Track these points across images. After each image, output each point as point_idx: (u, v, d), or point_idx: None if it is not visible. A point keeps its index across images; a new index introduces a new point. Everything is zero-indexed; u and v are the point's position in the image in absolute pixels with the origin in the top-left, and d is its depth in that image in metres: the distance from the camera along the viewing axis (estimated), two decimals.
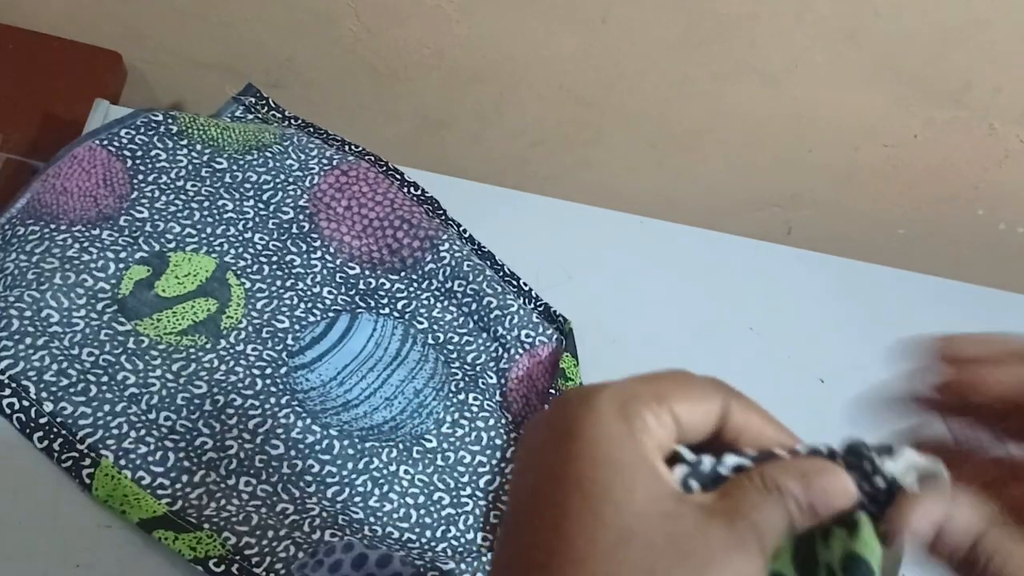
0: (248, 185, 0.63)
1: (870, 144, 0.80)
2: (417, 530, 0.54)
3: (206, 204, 0.62)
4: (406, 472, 0.56)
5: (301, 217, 0.63)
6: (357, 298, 0.62)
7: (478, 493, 0.57)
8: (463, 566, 0.52)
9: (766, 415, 0.27)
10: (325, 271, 0.62)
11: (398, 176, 0.68)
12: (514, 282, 0.66)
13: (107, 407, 0.52)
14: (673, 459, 0.26)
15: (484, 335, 0.62)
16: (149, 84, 0.80)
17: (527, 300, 0.65)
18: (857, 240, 0.90)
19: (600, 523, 0.23)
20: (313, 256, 0.62)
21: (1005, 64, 0.71)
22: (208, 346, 0.57)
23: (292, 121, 0.69)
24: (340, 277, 0.62)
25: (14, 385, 0.51)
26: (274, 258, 0.62)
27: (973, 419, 0.30)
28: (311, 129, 0.69)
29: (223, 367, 0.56)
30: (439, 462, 0.57)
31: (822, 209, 0.88)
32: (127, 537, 0.49)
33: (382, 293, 0.62)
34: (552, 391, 0.59)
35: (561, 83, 0.77)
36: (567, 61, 0.74)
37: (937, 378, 0.29)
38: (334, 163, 0.64)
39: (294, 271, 0.62)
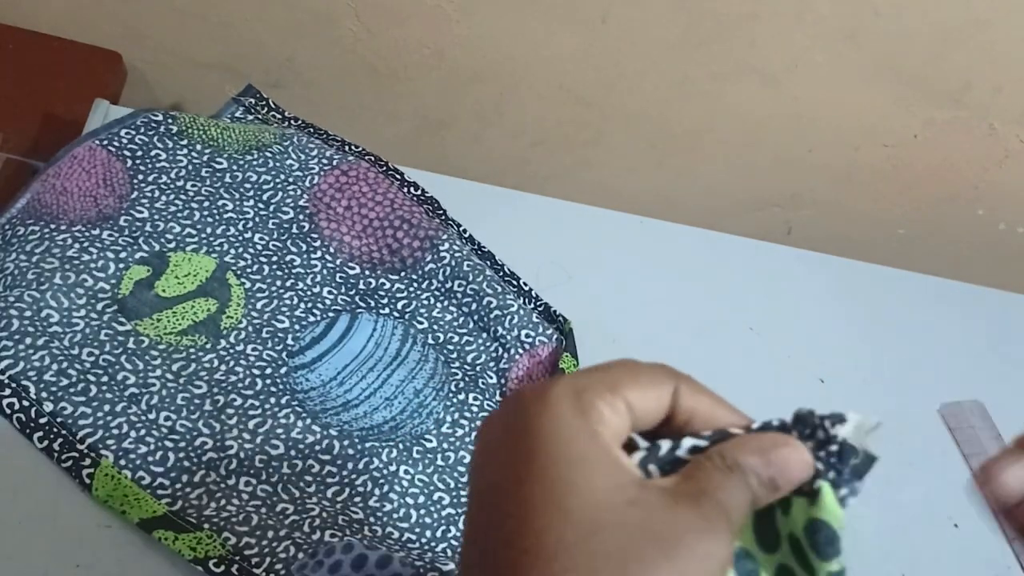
0: (248, 185, 0.63)
1: (870, 144, 0.80)
2: (417, 530, 0.54)
3: (206, 204, 0.62)
4: (406, 472, 0.56)
5: (301, 217, 0.63)
6: (357, 298, 0.62)
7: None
8: None
9: (716, 397, 0.28)
10: (325, 271, 0.62)
11: (398, 176, 0.68)
12: (514, 282, 0.66)
13: (107, 407, 0.52)
14: (629, 446, 0.27)
15: (484, 335, 0.62)
16: (149, 84, 0.80)
17: (527, 300, 0.65)
18: (857, 240, 0.90)
19: (567, 517, 0.23)
20: (313, 256, 0.62)
21: (1005, 64, 0.71)
22: (208, 346, 0.57)
23: (292, 122, 0.69)
24: (340, 277, 0.62)
25: (14, 385, 0.51)
26: (274, 258, 0.62)
27: None
28: (311, 129, 0.69)
29: (223, 367, 0.56)
30: (439, 462, 0.57)
31: (822, 209, 0.88)
32: (127, 537, 0.49)
33: (382, 293, 0.62)
34: None
35: (561, 83, 0.77)
36: (567, 61, 0.74)
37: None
38: (334, 163, 0.64)
39: (294, 271, 0.62)
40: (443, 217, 0.68)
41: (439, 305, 0.63)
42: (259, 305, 0.60)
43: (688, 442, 0.26)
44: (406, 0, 0.70)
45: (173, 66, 0.78)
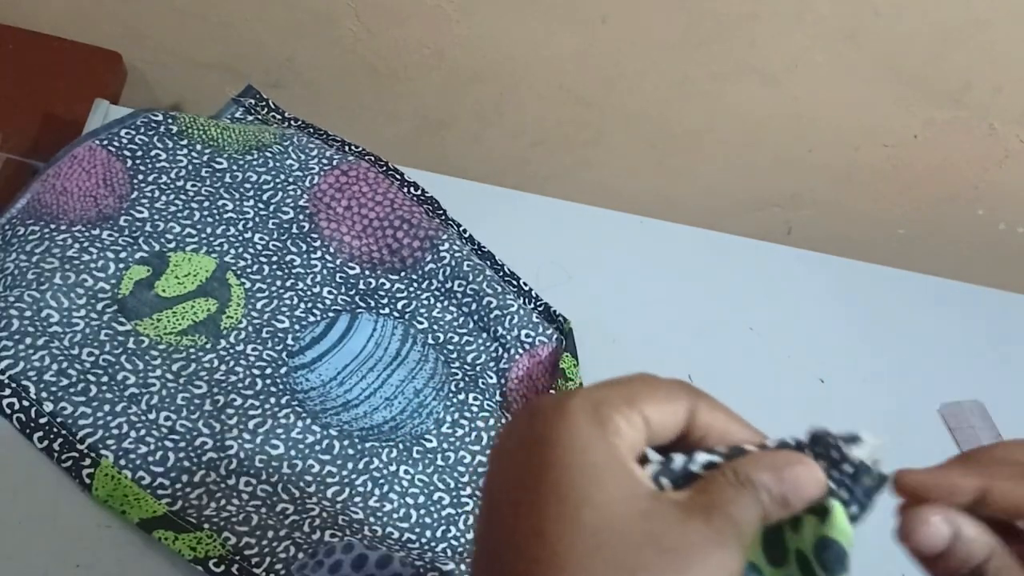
0: (248, 185, 0.63)
1: (870, 144, 0.80)
2: (417, 530, 0.54)
3: (206, 204, 0.62)
4: (406, 472, 0.56)
5: (301, 217, 0.63)
6: (357, 298, 0.62)
7: (478, 493, 0.57)
8: (463, 567, 0.52)
9: (731, 413, 0.28)
10: (325, 271, 0.62)
11: (398, 176, 0.68)
12: (514, 282, 0.66)
13: (107, 407, 0.52)
14: (642, 460, 0.27)
15: (484, 335, 0.62)
16: (149, 84, 0.80)
17: (527, 300, 0.65)
18: (857, 240, 0.90)
19: (580, 527, 0.24)
20: (313, 256, 0.62)
21: (1005, 64, 0.71)
22: (208, 346, 0.57)
23: (292, 122, 0.69)
24: (340, 277, 0.62)
25: (14, 385, 0.51)
26: (274, 258, 0.62)
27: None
28: (311, 130, 0.69)
29: (223, 367, 0.56)
30: (439, 462, 0.57)
31: (822, 209, 0.88)
32: (127, 537, 0.49)
33: (382, 293, 0.62)
34: (552, 391, 0.59)
35: (561, 83, 0.77)
36: (567, 61, 0.74)
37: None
38: (334, 163, 0.64)
39: (294, 271, 0.62)
40: (443, 217, 0.68)
41: (439, 305, 0.63)
42: (259, 305, 0.60)
43: (702, 457, 0.26)
44: (406, 0, 0.70)
45: (173, 66, 0.78)
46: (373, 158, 0.68)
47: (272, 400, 0.55)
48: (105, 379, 0.53)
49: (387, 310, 0.62)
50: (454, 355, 0.61)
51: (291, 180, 0.63)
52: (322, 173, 0.64)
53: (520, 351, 0.61)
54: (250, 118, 0.69)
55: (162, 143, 0.63)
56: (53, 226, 0.57)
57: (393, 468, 0.56)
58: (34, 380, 0.52)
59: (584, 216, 0.74)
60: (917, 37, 0.70)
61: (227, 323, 0.58)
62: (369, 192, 0.64)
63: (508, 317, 0.61)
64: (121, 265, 0.57)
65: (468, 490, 0.57)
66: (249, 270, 0.61)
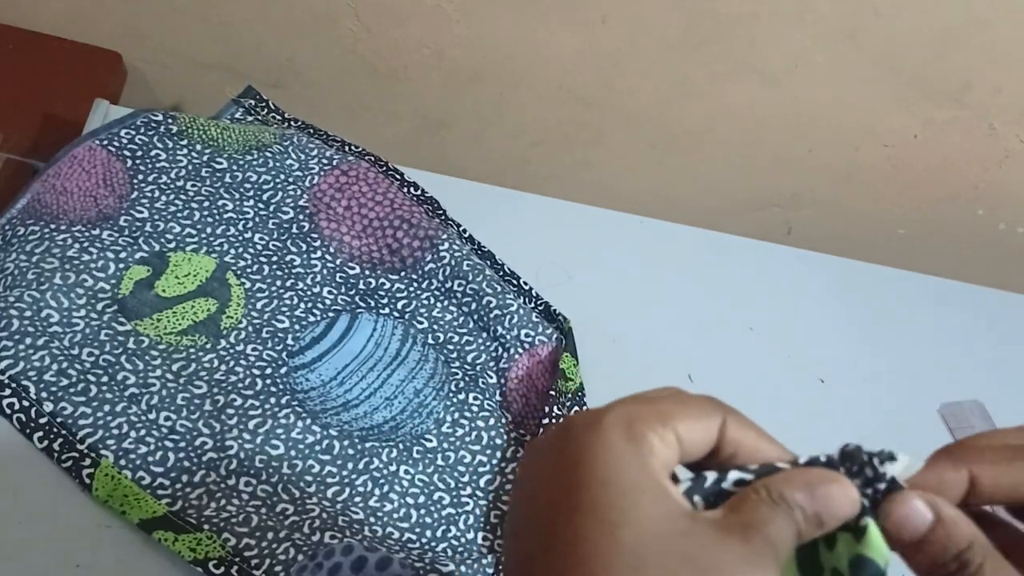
0: (248, 185, 0.63)
1: (870, 144, 0.80)
2: (417, 530, 0.54)
3: (206, 204, 0.62)
4: (406, 472, 0.56)
5: (301, 217, 0.63)
6: (357, 298, 0.62)
7: (478, 493, 0.57)
8: (463, 568, 0.52)
9: (761, 431, 0.28)
10: (325, 271, 0.62)
11: (398, 176, 0.68)
12: (514, 281, 0.66)
13: (107, 407, 0.52)
14: (674, 478, 0.27)
15: (484, 335, 0.62)
16: (149, 84, 0.80)
17: (527, 299, 0.65)
18: (857, 240, 0.90)
19: (618, 546, 0.24)
20: (313, 256, 0.62)
21: (1005, 64, 0.71)
22: (208, 346, 0.57)
23: (292, 123, 0.69)
24: (340, 277, 0.62)
25: (14, 385, 0.51)
26: (274, 258, 0.62)
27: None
28: (311, 130, 0.69)
29: (223, 367, 0.56)
30: (439, 462, 0.57)
31: (822, 209, 0.88)
32: (127, 537, 0.49)
33: (382, 293, 0.62)
34: (552, 391, 0.59)
35: (561, 83, 0.77)
36: (567, 61, 0.74)
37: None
38: (334, 163, 0.64)
39: (294, 271, 0.62)
40: (443, 217, 0.68)
41: (439, 305, 0.63)
42: (259, 305, 0.60)
43: (734, 475, 0.26)
44: (406, 0, 0.70)
45: (173, 66, 0.78)
46: (373, 158, 0.68)
47: (272, 400, 0.55)
48: (105, 379, 0.53)
49: (387, 310, 0.62)
50: (454, 355, 0.61)
51: (291, 180, 0.63)
52: (322, 173, 0.64)
53: (520, 351, 0.61)
54: (250, 119, 0.69)
55: (162, 143, 0.63)
56: (53, 226, 0.57)
57: (393, 468, 0.56)
58: (34, 380, 0.52)
59: (584, 216, 0.74)
60: (917, 37, 0.70)
61: (227, 323, 0.58)
62: (369, 192, 0.64)
63: (508, 317, 0.61)
64: (121, 265, 0.57)
65: (468, 490, 0.57)
66: (249, 270, 0.61)
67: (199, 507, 0.50)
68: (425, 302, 0.62)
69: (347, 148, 0.68)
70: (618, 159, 0.84)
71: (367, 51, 0.75)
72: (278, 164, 0.63)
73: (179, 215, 0.61)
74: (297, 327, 0.59)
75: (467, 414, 0.59)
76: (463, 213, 0.68)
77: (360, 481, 0.54)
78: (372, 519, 0.53)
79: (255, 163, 0.63)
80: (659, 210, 0.77)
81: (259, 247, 0.62)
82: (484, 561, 0.53)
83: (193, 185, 0.62)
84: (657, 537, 0.24)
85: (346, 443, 0.55)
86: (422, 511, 0.55)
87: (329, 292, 0.62)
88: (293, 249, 0.62)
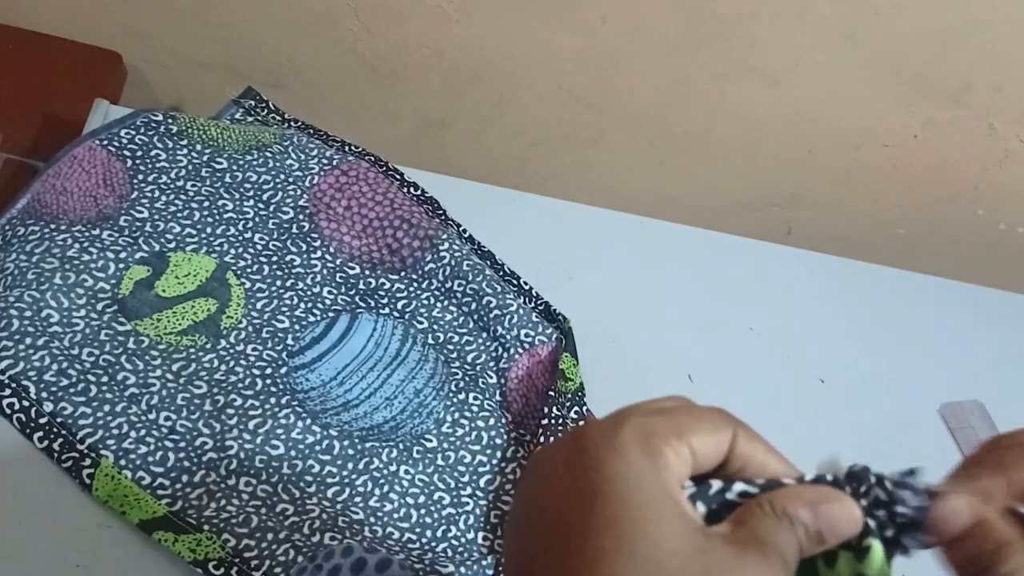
0: (248, 185, 0.63)
1: (870, 144, 0.80)
2: (417, 530, 0.54)
3: (206, 204, 0.62)
4: (406, 472, 0.56)
5: (301, 217, 0.63)
6: (357, 298, 0.62)
7: (478, 493, 0.57)
8: (463, 569, 0.52)
9: (770, 446, 0.28)
10: (325, 271, 0.62)
11: (398, 176, 0.68)
12: (514, 281, 0.66)
13: (107, 407, 0.52)
14: None
15: (484, 335, 0.62)
16: (149, 84, 0.80)
17: (527, 299, 0.65)
18: (857, 240, 0.90)
19: (637, 561, 0.24)
20: (313, 256, 0.62)
21: (1005, 64, 0.71)
22: (208, 346, 0.57)
23: (292, 123, 0.69)
24: (340, 277, 0.62)
25: (14, 385, 0.51)
26: (274, 258, 0.62)
27: None
28: (311, 131, 0.69)
29: (223, 367, 0.56)
30: (439, 462, 0.57)
31: (822, 209, 0.88)
32: (127, 537, 0.49)
33: (382, 293, 0.62)
34: (552, 391, 0.59)
35: (561, 83, 0.77)
36: (567, 61, 0.74)
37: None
38: (334, 163, 0.64)
39: (294, 271, 0.62)
40: (443, 217, 0.68)
41: (439, 305, 0.63)
42: (259, 305, 0.60)
43: (739, 486, 0.27)
44: (406, 0, 0.70)
45: (173, 66, 0.78)
46: (373, 158, 0.68)
47: (272, 400, 0.55)
48: (105, 379, 0.53)
49: (387, 310, 0.62)
50: (454, 355, 0.61)
51: (291, 180, 0.63)
52: (322, 173, 0.64)
53: (520, 351, 0.61)
54: (250, 119, 0.69)
55: (162, 143, 0.63)
56: (53, 226, 0.57)
57: (393, 468, 0.56)
58: (34, 380, 0.52)
59: (584, 216, 0.74)
60: (917, 37, 0.70)
61: (227, 323, 0.58)
62: (369, 192, 0.64)
63: (508, 316, 0.61)
64: (121, 265, 0.57)
65: (468, 490, 0.57)
66: (249, 270, 0.61)
67: (199, 507, 0.50)
68: (425, 302, 0.62)
69: (347, 148, 0.68)
70: (618, 159, 0.84)
71: (367, 51, 0.75)
72: (278, 164, 0.63)
73: (179, 215, 0.61)
74: (297, 327, 0.59)
75: (467, 414, 0.59)
76: (463, 213, 0.68)
77: (360, 481, 0.54)
78: (372, 519, 0.53)
79: (255, 163, 0.63)
80: (659, 210, 0.77)
81: (259, 247, 0.62)
82: (484, 562, 0.53)
83: (193, 185, 0.62)
84: (676, 554, 0.24)
85: (346, 443, 0.55)
86: (422, 511, 0.55)
87: (329, 292, 0.62)
88: (293, 249, 0.62)
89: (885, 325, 0.76)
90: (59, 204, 0.58)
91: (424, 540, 0.54)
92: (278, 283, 0.61)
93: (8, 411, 0.51)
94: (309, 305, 0.61)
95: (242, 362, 0.57)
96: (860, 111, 0.77)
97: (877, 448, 0.66)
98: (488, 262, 0.66)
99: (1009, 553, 0.25)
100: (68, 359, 0.53)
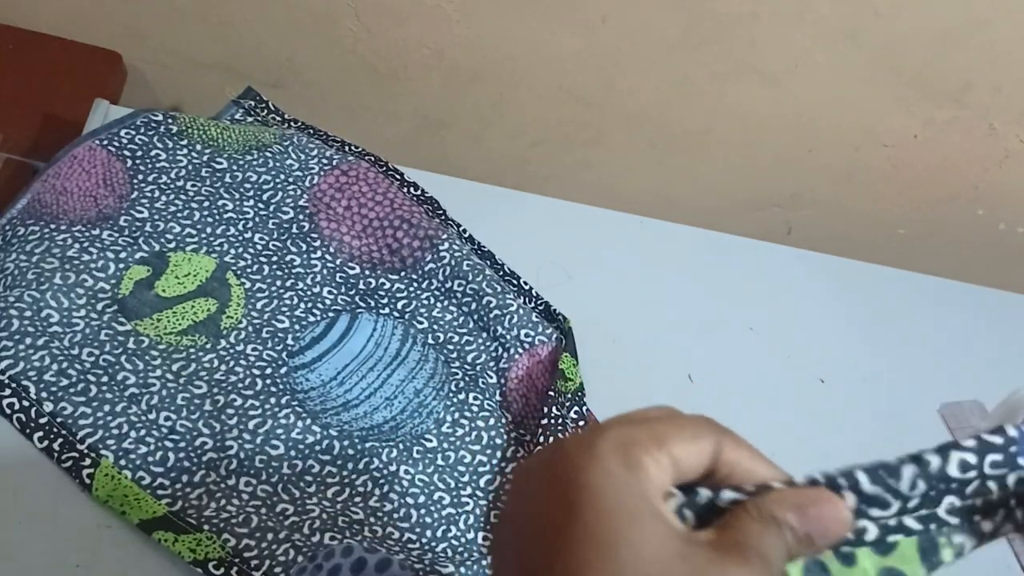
0: (248, 185, 0.63)
1: (870, 144, 0.80)
2: (417, 530, 0.54)
3: (206, 204, 0.62)
4: (406, 472, 0.56)
5: (301, 217, 0.63)
6: (357, 298, 0.62)
7: (478, 493, 0.57)
8: (463, 569, 0.52)
9: (756, 452, 0.28)
10: (325, 271, 0.62)
11: (398, 176, 0.68)
12: (514, 281, 0.66)
13: (107, 407, 0.52)
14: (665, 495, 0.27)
15: (484, 335, 0.62)
16: (149, 84, 0.80)
17: (527, 299, 0.65)
18: (857, 240, 0.90)
19: (618, 569, 0.24)
20: (313, 256, 0.62)
21: (1005, 64, 0.71)
22: (208, 346, 0.57)
23: (291, 123, 0.69)
24: (340, 277, 0.62)
25: (14, 385, 0.51)
26: (274, 258, 0.62)
27: None
28: (311, 131, 0.69)
29: (223, 367, 0.56)
30: (439, 462, 0.57)
31: (822, 209, 0.88)
32: (127, 537, 0.49)
33: (382, 293, 0.62)
34: (552, 391, 0.59)
35: (561, 83, 0.77)
36: (567, 61, 0.74)
37: None
38: (334, 163, 0.64)
39: (294, 271, 0.62)
40: (443, 217, 0.68)
41: (439, 305, 0.63)
42: (259, 305, 0.60)
43: (728, 494, 0.26)
44: (406, 0, 0.70)
45: (173, 66, 0.78)
46: (373, 158, 0.68)
47: (272, 400, 0.55)
48: (105, 379, 0.53)
49: (387, 310, 0.62)
50: (454, 355, 0.61)
51: (291, 180, 0.63)
52: (322, 173, 0.64)
53: (520, 351, 0.61)
54: (250, 119, 0.69)
55: (162, 143, 0.63)
56: (53, 226, 0.57)
57: (393, 468, 0.56)
58: (34, 380, 0.52)
59: (584, 216, 0.74)
60: (917, 37, 0.70)
61: (227, 323, 0.58)
62: (369, 192, 0.64)
63: (508, 316, 0.61)
64: (121, 265, 0.57)
65: (468, 490, 0.57)
66: (249, 270, 0.61)
67: (199, 507, 0.50)
68: (425, 302, 0.62)
69: (347, 148, 0.68)
70: (618, 159, 0.84)
71: (367, 51, 0.75)
72: (278, 164, 0.63)
73: (179, 215, 0.61)
74: (297, 327, 0.59)
75: (467, 414, 0.59)
76: (463, 213, 0.68)
77: (360, 481, 0.54)
78: (372, 519, 0.53)
79: (255, 163, 0.63)
80: (659, 210, 0.77)
81: (259, 247, 0.62)
82: (484, 562, 0.53)
83: (193, 185, 0.62)
84: (656, 561, 0.24)
85: (346, 443, 0.55)
86: (422, 511, 0.55)
87: (329, 292, 0.62)
88: (293, 249, 0.62)
89: (885, 325, 0.76)
90: (59, 204, 0.58)
91: (424, 540, 0.54)
92: (278, 283, 0.61)
93: (8, 411, 0.51)
94: (309, 305, 0.61)
95: (242, 362, 0.57)
96: (860, 111, 0.77)
97: (877, 448, 0.66)
98: (488, 262, 0.66)
99: None
100: (68, 359, 0.53)
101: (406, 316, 0.62)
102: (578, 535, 0.24)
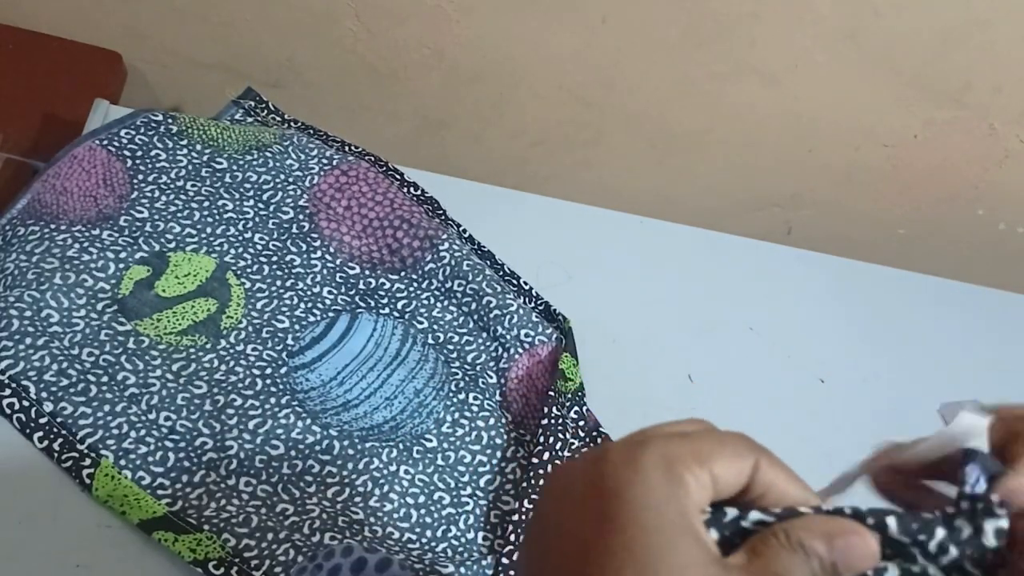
0: (248, 185, 0.63)
1: (870, 144, 0.80)
2: (418, 530, 0.54)
3: (206, 204, 0.62)
4: (406, 472, 0.56)
5: (301, 217, 0.63)
6: (357, 298, 0.62)
7: (478, 492, 0.57)
8: (463, 569, 0.52)
9: (792, 473, 0.28)
10: (325, 271, 0.62)
11: (398, 176, 0.68)
12: (514, 281, 0.66)
13: (107, 407, 0.52)
14: None
15: (484, 335, 0.62)
16: (149, 84, 0.80)
17: (527, 299, 0.65)
18: (857, 240, 0.90)
19: None
20: (313, 256, 0.62)
21: (1005, 64, 0.71)
22: (208, 346, 0.57)
23: (291, 124, 0.69)
24: (340, 277, 0.62)
25: (14, 385, 0.51)
26: (274, 258, 0.62)
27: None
28: (311, 131, 0.69)
29: (223, 367, 0.56)
30: (439, 462, 0.57)
31: (822, 209, 0.88)
32: (127, 537, 0.49)
33: (382, 293, 0.62)
34: (552, 391, 0.59)
35: (561, 83, 0.77)
36: (567, 61, 0.74)
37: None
38: (334, 163, 0.64)
39: (294, 271, 0.62)
40: (443, 217, 0.68)
41: (439, 305, 0.63)
42: (259, 305, 0.60)
43: (755, 515, 0.26)
44: (406, 0, 0.70)
45: (173, 66, 0.78)
46: (373, 158, 0.68)
47: (272, 400, 0.55)
48: (105, 379, 0.53)
49: (387, 310, 0.62)
50: (454, 355, 0.61)
51: (291, 180, 0.63)
52: (322, 173, 0.64)
53: (520, 351, 0.61)
54: (250, 119, 0.69)
55: (162, 143, 0.63)
56: (53, 226, 0.57)
57: (393, 468, 0.56)
58: (34, 380, 0.52)
59: (584, 216, 0.74)
60: (917, 37, 0.70)
61: (227, 323, 0.58)
62: (369, 192, 0.64)
63: (508, 316, 0.61)
64: (121, 265, 0.57)
65: (468, 490, 0.57)
66: (249, 270, 0.61)
67: (199, 507, 0.50)
68: (425, 302, 0.62)
69: (347, 148, 0.68)
70: (618, 159, 0.84)
71: (367, 51, 0.75)
72: (278, 164, 0.64)
73: (179, 215, 0.61)
74: (297, 327, 0.59)
75: (467, 414, 0.59)
76: (463, 213, 0.68)
77: (360, 481, 0.54)
78: (372, 519, 0.53)
79: (255, 163, 0.63)
80: (659, 210, 0.77)
81: (259, 247, 0.62)
82: (484, 562, 0.53)
83: (193, 185, 0.62)
84: None
85: (346, 443, 0.55)
86: (422, 511, 0.55)
87: (329, 292, 0.62)
88: (293, 249, 0.62)
89: (885, 325, 0.76)
90: (59, 204, 0.58)
91: (424, 540, 0.54)
92: (278, 283, 0.61)
93: (8, 411, 0.51)
94: (309, 305, 0.61)
95: (242, 362, 0.57)
96: (860, 111, 0.77)
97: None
98: (488, 262, 0.66)
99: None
100: (68, 359, 0.53)
101: (406, 316, 0.62)
102: (616, 549, 0.25)
